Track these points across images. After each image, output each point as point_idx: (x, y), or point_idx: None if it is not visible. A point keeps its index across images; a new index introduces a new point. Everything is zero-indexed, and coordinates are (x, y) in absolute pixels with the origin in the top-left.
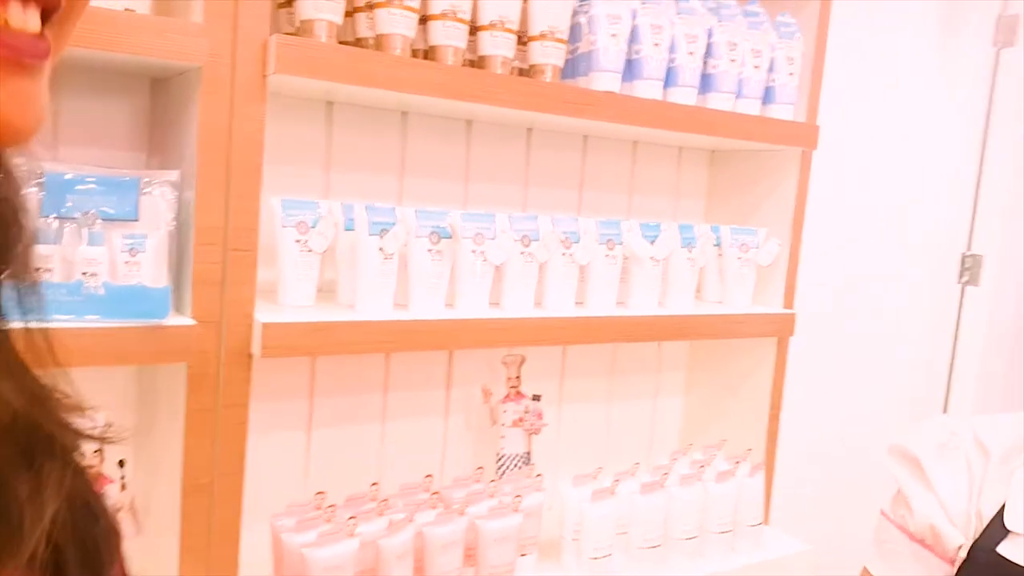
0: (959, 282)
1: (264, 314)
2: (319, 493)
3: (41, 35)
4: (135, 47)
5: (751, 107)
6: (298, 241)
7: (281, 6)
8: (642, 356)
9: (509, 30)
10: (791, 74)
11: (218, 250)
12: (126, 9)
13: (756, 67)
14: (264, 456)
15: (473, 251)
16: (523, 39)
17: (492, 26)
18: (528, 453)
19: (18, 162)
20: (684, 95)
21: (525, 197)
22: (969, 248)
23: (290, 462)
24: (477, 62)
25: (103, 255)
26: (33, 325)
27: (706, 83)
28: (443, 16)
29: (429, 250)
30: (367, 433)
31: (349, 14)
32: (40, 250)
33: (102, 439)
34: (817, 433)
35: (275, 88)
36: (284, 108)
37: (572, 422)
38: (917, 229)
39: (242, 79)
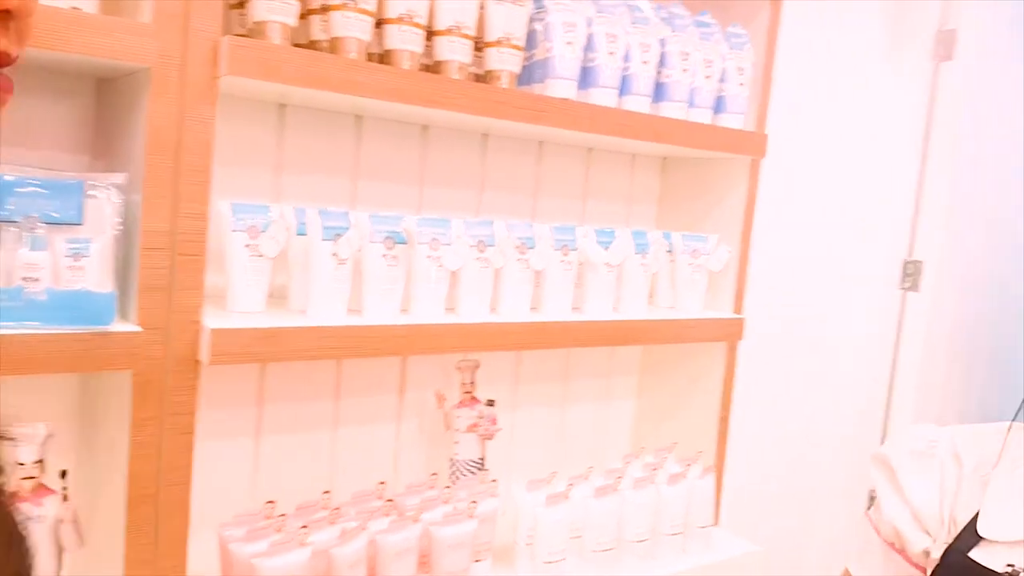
0: (901, 287)
1: (213, 320)
2: (269, 502)
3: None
4: (82, 47)
5: (703, 116)
6: (248, 246)
7: (233, 7)
8: (595, 361)
9: (466, 36)
10: (741, 84)
11: (165, 255)
12: (72, 8)
13: (708, 77)
14: (212, 465)
15: (429, 256)
16: (479, 45)
17: (449, 31)
18: (482, 458)
19: None
20: (638, 103)
21: (480, 202)
22: (910, 255)
23: (239, 471)
24: (433, 67)
25: (45, 260)
26: None
27: (659, 92)
28: (399, 20)
29: (384, 255)
30: (318, 440)
31: (303, 16)
32: None
33: None
34: (765, 435)
35: (226, 90)
36: (235, 110)
37: (526, 427)
38: (861, 236)
39: (192, 81)
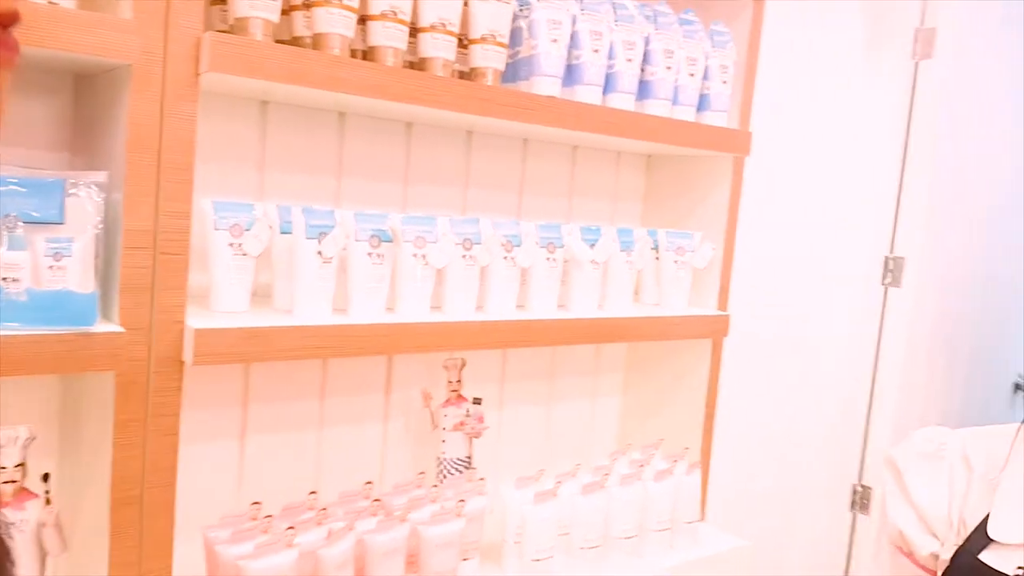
0: (882, 283)
1: (196, 320)
2: (255, 503)
3: None
4: (63, 43)
5: (686, 114)
6: (231, 244)
7: (215, 3)
8: (581, 358)
9: (450, 32)
10: (724, 82)
11: (148, 254)
12: (50, 3)
13: (691, 75)
14: (197, 466)
15: (414, 255)
16: (464, 42)
17: (433, 28)
18: (469, 457)
19: None
20: (622, 101)
21: (465, 200)
22: (892, 251)
23: (224, 472)
24: (417, 64)
25: (25, 260)
26: None
27: (643, 89)
28: (383, 16)
29: (369, 253)
30: (304, 440)
31: (286, 12)
32: None
33: None
34: (751, 431)
35: (208, 86)
36: (217, 106)
37: (513, 424)
38: (843, 232)
39: (173, 77)
